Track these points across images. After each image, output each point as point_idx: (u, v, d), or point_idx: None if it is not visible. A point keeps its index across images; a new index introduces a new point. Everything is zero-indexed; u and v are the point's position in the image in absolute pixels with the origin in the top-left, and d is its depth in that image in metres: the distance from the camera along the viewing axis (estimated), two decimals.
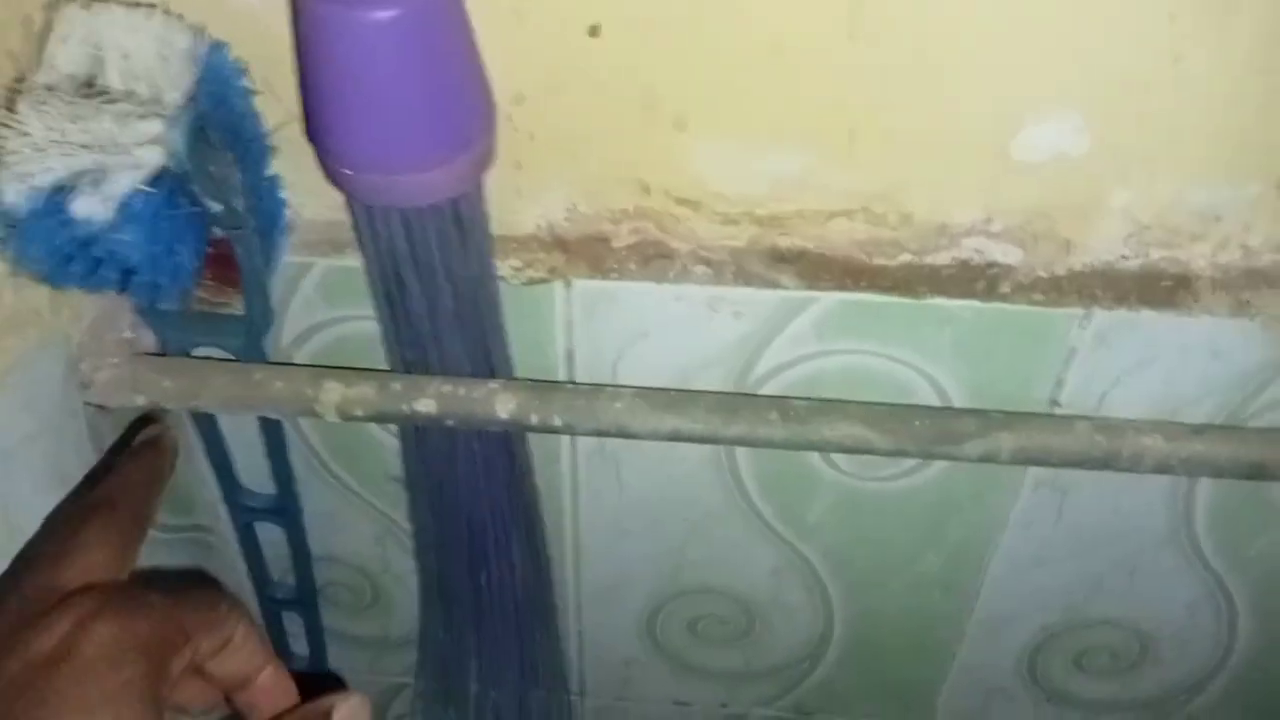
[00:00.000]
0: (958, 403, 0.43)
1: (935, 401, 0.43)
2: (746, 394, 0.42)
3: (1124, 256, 0.39)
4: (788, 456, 0.46)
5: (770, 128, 0.37)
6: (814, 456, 0.46)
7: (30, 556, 0.34)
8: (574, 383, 0.44)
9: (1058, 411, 0.43)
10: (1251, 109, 0.35)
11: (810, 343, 0.42)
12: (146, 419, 0.42)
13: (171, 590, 0.31)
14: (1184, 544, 0.48)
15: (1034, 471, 0.46)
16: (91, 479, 0.41)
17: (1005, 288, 0.40)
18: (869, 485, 0.47)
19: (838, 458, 0.46)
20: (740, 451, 0.47)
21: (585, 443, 0.47)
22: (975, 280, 0.40)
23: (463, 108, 0.32)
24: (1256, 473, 0.40)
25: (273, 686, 0.33)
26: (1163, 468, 0.40)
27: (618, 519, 0.51)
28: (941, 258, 0.40)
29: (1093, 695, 0.57)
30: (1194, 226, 0.38)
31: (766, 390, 0.44)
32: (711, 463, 0.47)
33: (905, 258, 0.40)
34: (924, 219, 0.39)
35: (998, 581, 0.51)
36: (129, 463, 0.38)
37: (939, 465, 0.46)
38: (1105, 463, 0.40)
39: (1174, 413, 0.42)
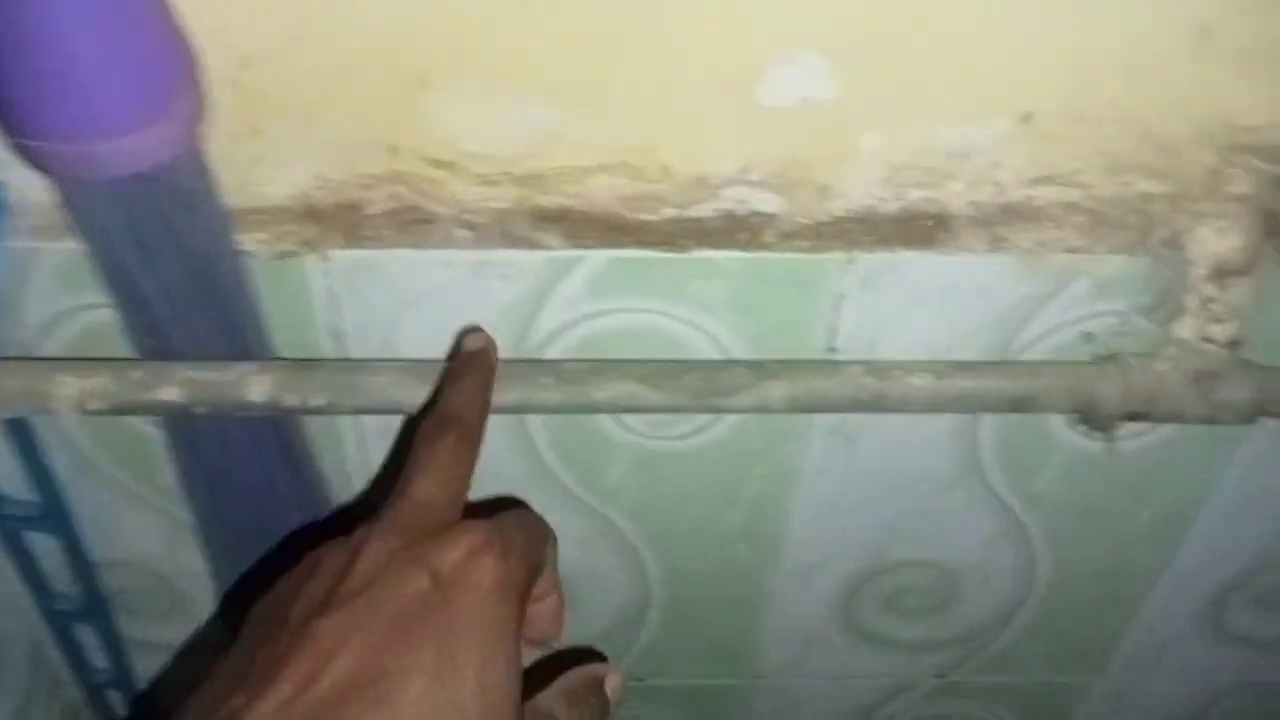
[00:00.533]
0: (738, 356, 0.43)
1: (716, 356, 0.43)
2: (519, 360, 0.41)
3: (882, 199, 0.39)
4: (580, 421, 0.45)
5: (516, 82, 0.36)
6: (606, 419, 0.46)
7: (405, 466, 0.33)
8: (335, 360, 0.42)
9: (834, 358, 0.43)
10: (993, 45, 0.35)
11: (584, 303, 0.41)
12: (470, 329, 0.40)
13: (513, 519, 0.31)
14: (974, 482, 0.49)
15: (822, 420, 0.46)
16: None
17: (769, 237, 0.39)
18: (662, 445, 0.47)
19: (630, 419, 0.46)
20: (532, 420, 0.46)
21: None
22: (739, 231, 0.39)
23: (151, 63, 0.30)
24: (1023, 405, 0.41)
25: (554, 613, 0.34)
26: (932, 406, 0.41)
27: None
28: (704, 210, 0.39)
29: (907, 636, 0.58)
30: (947, 166, 0.38)
31: (549, 355, 0.43)
32: (506, 432, 0.46)
33: (668, 212, 0.39)
34: (683, 171, 0.38)
35: (801, 531, 0.51)
36: (464, 378, 0.36)
37: (730, 420, 0.46)
38: (876, 404, 0.40)
39: (947, 352, 0.43)
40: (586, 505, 0.49)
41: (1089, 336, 0.43)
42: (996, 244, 0.40)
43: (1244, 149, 0.38)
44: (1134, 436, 0.47)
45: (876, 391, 0.40)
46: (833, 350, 0.43)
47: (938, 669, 0.61)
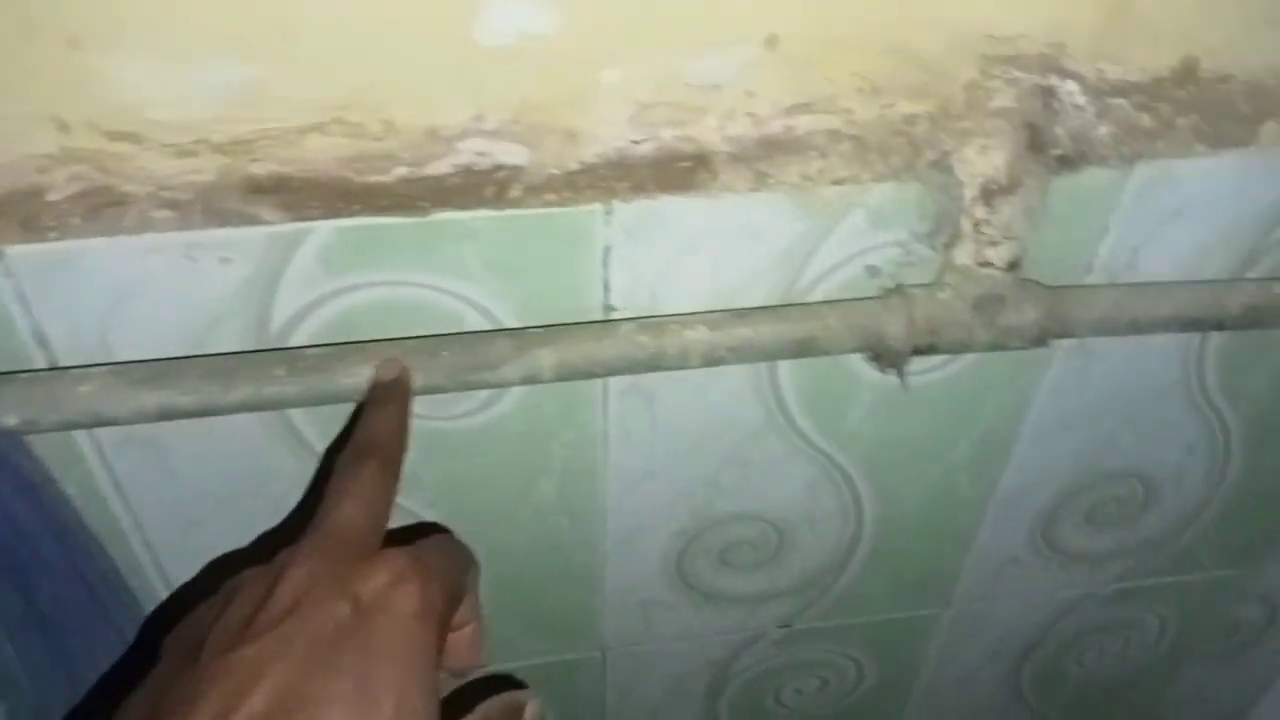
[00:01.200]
0: (509, 324, 0.40)
1: (484, 326, 0.39)
2: (248, 351, 0.37)
3: (635, 141, 0.36)
4: (339, 412, 0.42)
5: (194, 34, 0.31)
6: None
7: (324, 494, 0.32)
8: (32, 371, 0.37)
9: (614, 316, 0.40)
10: None
11: (322, 281, 0.37)
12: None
13: (435, 546, 0.31)
14: (783, 428, 0.47)
15: (614, 381, 0.43)
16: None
17: (516, 191, 0.36)
18: (450, 425, 0.43)
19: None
20: (296, 415, 0.41)
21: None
22: (483, 187, 0.36)
23: None
24: (806, 349, 0.39)
25: (474, 641, 0.33)
26: (712, 359, 0.38)
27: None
28: (441, 166, 0.35)
29: (746, 589, 0.57)
30: (697, 99, 0.35)
31: (295, 343, 0.39)
32: (265, 425, 0.42)
33: (401, 171, 0.35)
34: (409, 124, 0.34)
35: (618, 499, 0.49)
36: (383, 406, 0.36)
37: (519, 394, 0.43)
38: (654, 363, 0.38)
39: (733, 299, 0.41)
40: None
41: (873, 270, 0.41)
42: (761, 181, 0.37)
43: (1003, 60, 0.36)
44: (940, 366, 0.46)
45: (653, 350, 0.37)
46: (611, 309, 0.40)
47: (781, 619, 0.60)
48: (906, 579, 0.59)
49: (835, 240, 0.40)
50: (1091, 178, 0.39)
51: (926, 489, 0.53)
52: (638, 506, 0.50)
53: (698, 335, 0.37)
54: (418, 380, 0.36)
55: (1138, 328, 0.41)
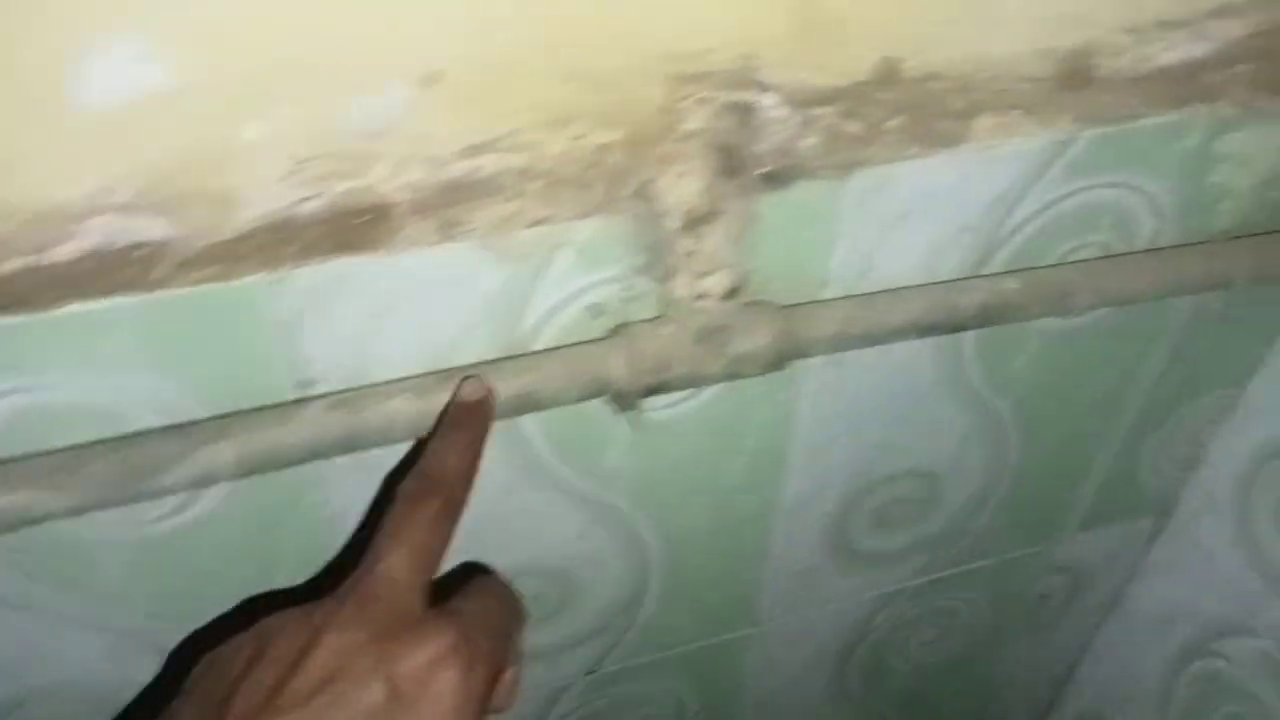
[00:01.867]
0: (195, 416, 0.35)
1: (159, 424, 0.35)
2: None
3: (302, 199, 0.32)
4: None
5: None
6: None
7: (378, 530, 0.30)
8: None
9: (314, 391, 0.36)
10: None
11: None
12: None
13: (483, 608, 0.30)
14: (540, 479, 0.44)
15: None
16: None
17: (162, 270, 0.31)
18: (154, 530, 0.38)
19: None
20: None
21: None
22: (120, 269, 0.31)
23: None
24: (527, 405, 0.36)
25: (511, 687, 0.30)
26: (420, 429, 0.35)
27: None
28: (67, 251, 0.30)
29: (539, 642, 0.54)
30: (362, 148, 0.32)
31: None
32: None
33: (18, 263, 0.30)
34: (22, 205, 0.29)
35: None
36: (456, 434, 0.33)
37: (224, 490, 0.38)
38: (352, 443, 0.34)
39: (447, 358, 0.37)
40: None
41: (596, 309, 0.38)
42: (450, 230, 0.34)
43: (692, 78, 0.34)
44: (694, 395, 0.43)
45: (349, 428, 0.34)
46: (311, 384, 0.36)
47: (587, 664, 0.57)
48: (708, 605, 0.57)
49: (548, 283, 0.37)
50: (806, 191, 0.37)
51: (707, 515, 0.51)
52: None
53: (401, 405, 0.34)
54: (67, 500, 0.31)
55: (874, 339, 0.40)
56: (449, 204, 0.33)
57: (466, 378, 0.35)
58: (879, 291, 0.41)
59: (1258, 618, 0.63)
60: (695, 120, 0.34)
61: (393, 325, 0.35)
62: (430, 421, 0.34)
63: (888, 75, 0.36)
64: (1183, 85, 0.41)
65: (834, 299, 0.40)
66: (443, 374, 0.35)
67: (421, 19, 0.29)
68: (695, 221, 0.34)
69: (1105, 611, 0.77)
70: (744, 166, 0.34)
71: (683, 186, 0.34)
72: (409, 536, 0.30)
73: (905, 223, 0.41)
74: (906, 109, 0.37)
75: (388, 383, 0.35)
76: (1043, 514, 0.63)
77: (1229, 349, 0.56)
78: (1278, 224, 0.48)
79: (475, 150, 0.33)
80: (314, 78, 0.30)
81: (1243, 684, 0.66)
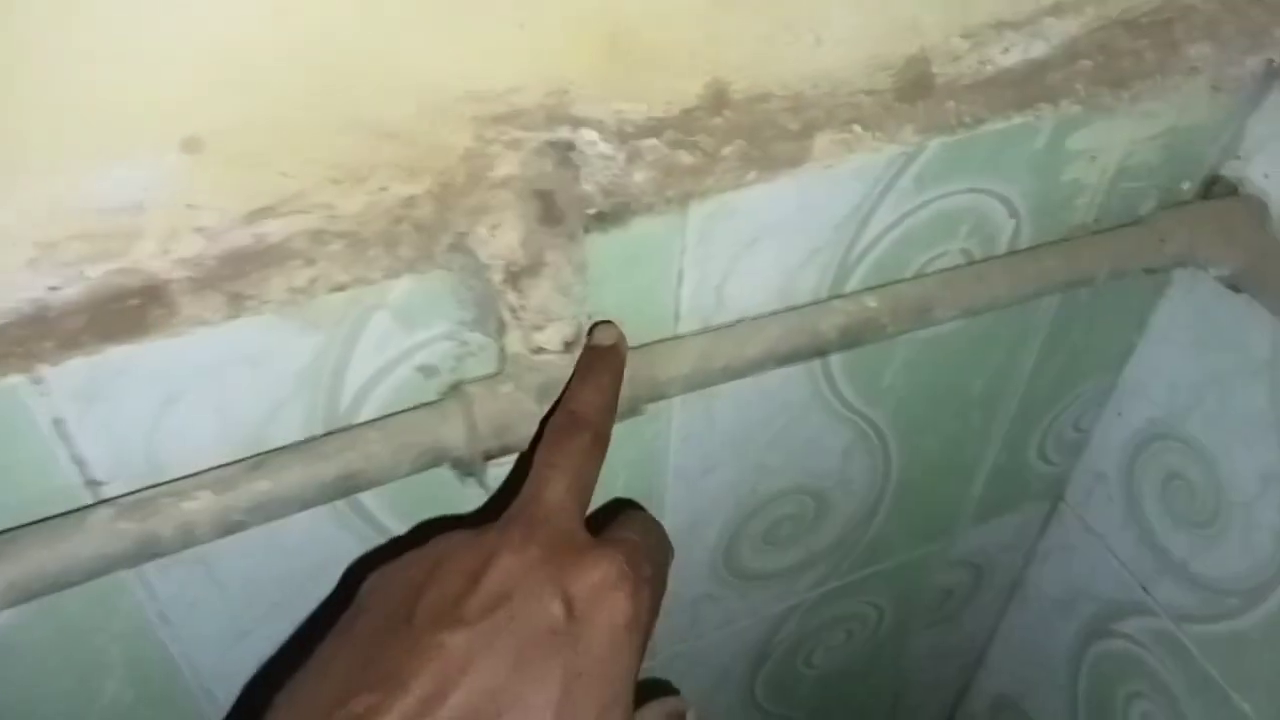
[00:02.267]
0: None
1: None
2: None
3: (52, 288, 0.28)
4: None
5: None
6: None
7: (534, 463, 0.31)
8: None
9: (101, 494, 0.32)
10: (98, 60, 0.24)
11: None
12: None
13: (642, 537, 0.31)
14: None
15: None
16: None
17: None
18: None
19: None
20: None
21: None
22: None
23: None
24: (351, 485, 0.32)
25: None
26: (227, 527, 0.31)
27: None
28: None
29: None
30: (119, 224, 0.28)
31: None
32: None
33: None
34: None
35: None
36: (597, 375, 0.34)
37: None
38: (148, 551, 0.30)
39: (257, 442, 0.33)
40: None
41: (429, 370, 0.35)
42: (239, 304, 0.30)
43: (497, 119, 0.30)
44: None
45: (143, 536, 0.30)
46: (97, 484, 0.32)
47: None
48: None
49: (365, 348, 0.33)
50: (644, 227, 0.35)
51: None
52: None
53: (200, 504, 0.30)
54: None
55: (733, 373, 0.38)
56: (234, 276, 0.30)
57: (597, 323, 0.35)
58: (734, 323, 0.39)
59: (1153, 596, 0.63)
60: (507, 165, 0.31)
61: (185, 413, 0.32)
62: (237, 516, 0.31)
63: (716, 100, 0.34)
64: (1026, 86, 0.39)
65: (686, 335, 0.38)
66: (246, 464, 0.31)
67: (171, 78, 0.26)
68: (519, 274, 0.31)
69: (1007, 598, 0.77)
70: (567, 211, 0.31)
71: (500, 238, 0.31)
72: (566, 466, 0.31)
73: (754, 249, 0.38)
74: (741, 133, 0.35)
75: (183, 478, 0.31)
76: (935, 513, 0.62)
77: (1101, 338, 0.55)
78: (1133, 214, 0.47)
79: (257, 216, 0.29)
80: (43, 153, 0.26)
81: (1143, 661, 0.66)
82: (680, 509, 0.49)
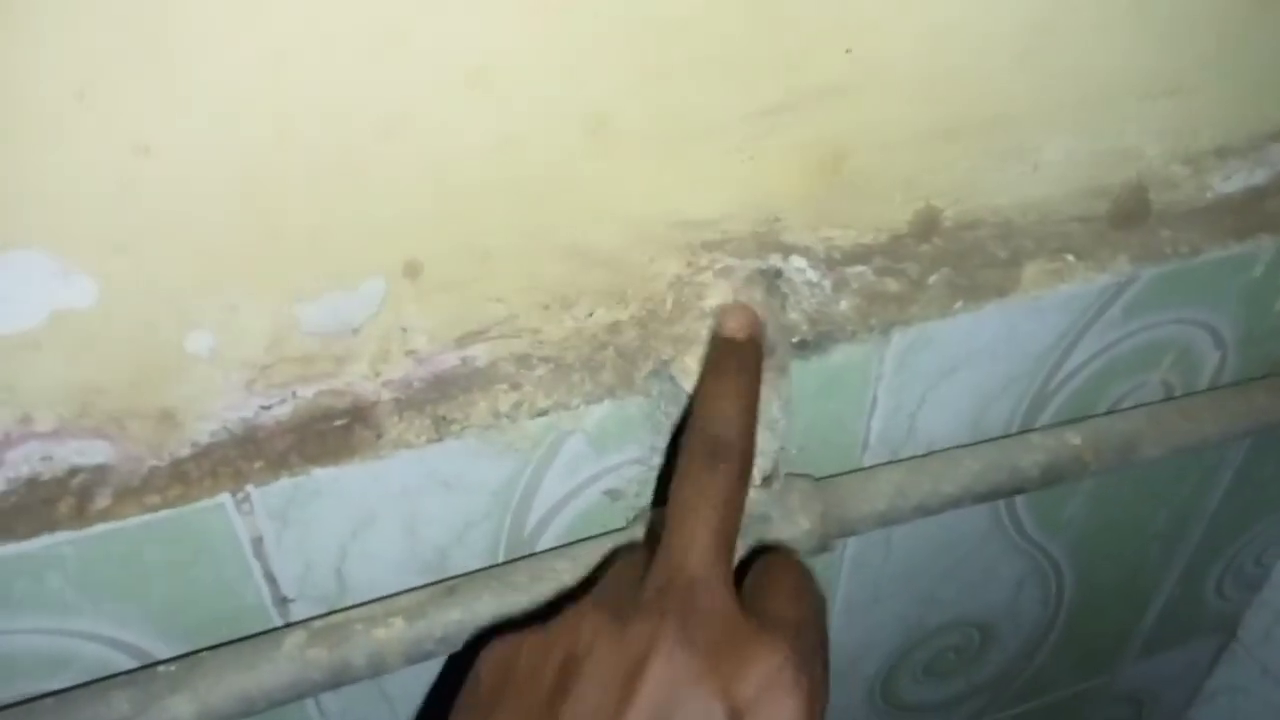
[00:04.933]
0: (162, 652, 0.30)
1: (126, 662, 0.30)
2: None
3: (264, 408, 0.28)
4: None
5: None
6: None
7: (672, 508, 0.26)
8: None
9: (289, 612, 0.31)
10: (326, 190, 0.25)
11: None
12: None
13: (808, 614, 0.26)
14: None
15: None
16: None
17: (105, 499, 0.27)
18: None
19: None
20: None
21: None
22: (57, 502, 0.27)
23: None
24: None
25: None
26: (418, 655, 0.30)
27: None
28: None
29: None
30: (331, 348, 0.27)
31: None
32: None
33: None
34: None
35: None
36: (731, 380, 0.28)
37: None
38: (338, 678, 0.29)
39: (441, 565, 0.32)
40: None
41: (615, 494, 0.34)
42: (442, 428, 0.29)
43: (709, 246, 0.30)
44: None
45: (333, 665, 0.29)
46: (286, 602, 0.31)
47: None
48: None
49: (556, 473, 0.32)
50: (844, 355, 0.33)
51: None
52: None
53: (393, 633, 0.29)
54: None
55: (927, 510, 0.35)
56: (440, 399, 0.29)
57: (728, 306, 0.30)
58: (929, 454, 0.37)
59: None
60: (717, 293, 0.30)
61: (377, 534, 0.31)
62: (429, 646, 0.30)
63: (925, 227, 0.32)
64: (1245, 214, 0.37)
65: (880, 467, 0.36)
66: (438, 589, 0.31)
67: (393, 205, 0.26)
68: None
69: None
70: (777, 342, 0.30)
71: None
72: (708, 511, 0.26)
73: (952, 378, 0.36)
74: (948, 261, 0.33)
75: (372, 602, 0.30)
76: (1101, 647, 0.58)
77: None
78: None
79: (466, 340, 0.29)
80: (268, 277, 0.26)
81: None
82: (843, 638, 0.46)
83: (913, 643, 0.49)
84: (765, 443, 0.30)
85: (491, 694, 0.25)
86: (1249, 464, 0.49)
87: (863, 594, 0.44)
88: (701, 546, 0.26)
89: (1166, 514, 0.50)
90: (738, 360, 0.29)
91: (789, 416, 0.31)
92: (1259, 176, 0.36)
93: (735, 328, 0.29)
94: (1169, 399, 0.40)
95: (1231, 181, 0.36)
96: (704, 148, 0.27)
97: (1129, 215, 0.35)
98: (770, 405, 0.30)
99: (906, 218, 0.32)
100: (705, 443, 0.27)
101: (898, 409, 0.36)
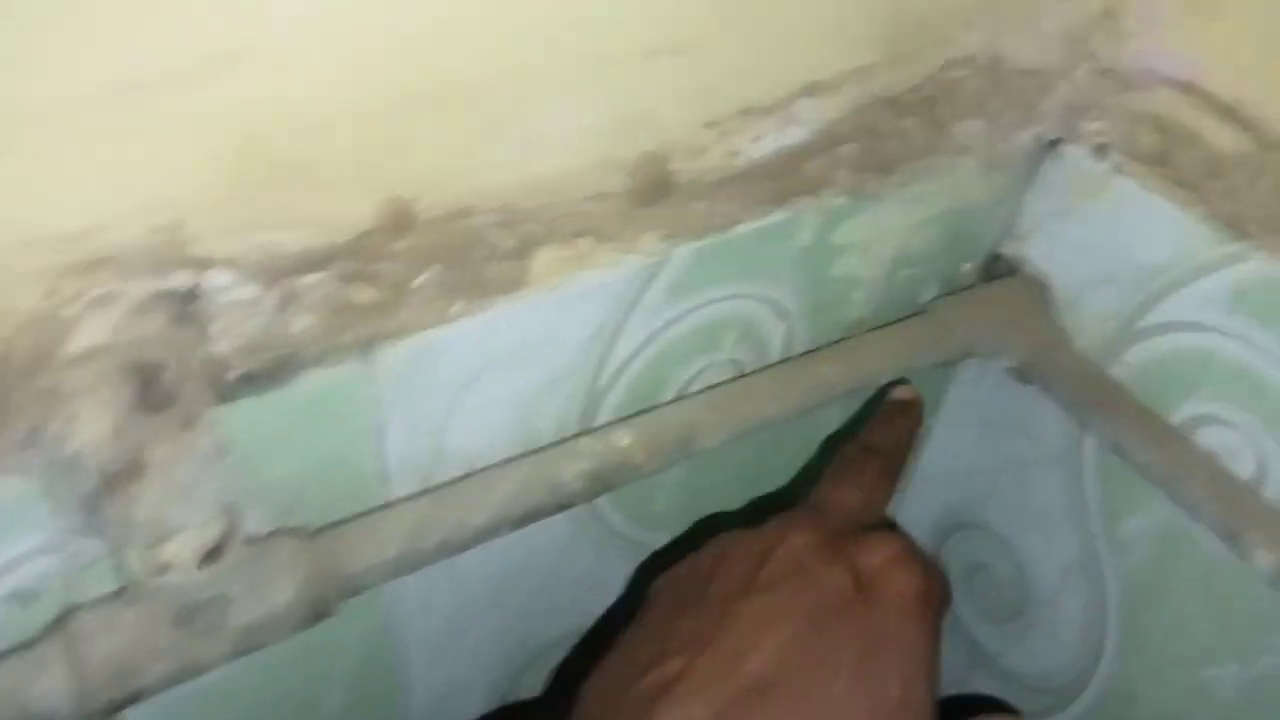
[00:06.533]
0: None
1: None
2: None
3: None
4: None
5: None
6: None
7: (820, 479, 0.35)
8: None
9: None
10: None
11: None
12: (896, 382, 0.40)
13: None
14: None
15: None
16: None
17: None
18: None
19: None
20: None
21: None
22: None
23: None
24: None
25: None
26: None
27: None
28: None
29: None
30: None
31: None
32: None
33: None
34: None
35: None
36: (895, 419, 0.38)
37: None
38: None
39: None
40: None
41: (26, 597, 0.26)
42: None
43: (79, 269, 0.22)
44: None
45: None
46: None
47: None
48: None
49: None
50: (317, 381, 0.27)
51: None
52: None
53: None
54: None
55: (456, 548, 0.30)
56: None
57: (899, 384, 0.40)
58: (459, 479, 0.32)
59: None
60: (91, 332, 0.22)
61: None
62: None
63: (397, 220, 0.27)
64: (783, 179, 0.34)
65: (393, 506, 0.30)
66: None
67: None
68: (115, 480, 0.23)
69: None
70: (179, 387, 0.23)
71: (82, 433, 0.22)
72: (853, 480, 0.34)
73: (476, 388, 0.31)
74: (438, 257, 0.28)
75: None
76: None
77: None
78: (914, 302, 0.43)
79: None
80: None
81: None
82: (430, 682, 0.41)
83: (519, 667, 0.44)
84: (185, 514, 0.23)
85: (650, 603, 0.31)
86: (851, 427, 0.48)
87: (440, 634, 0.39)
88: (840, 495, 0.33)
89: (768, 483, 0.48)
90: (899, 413, 0.39)
91: (224, 475, 0.24)
92: (792, 136, 0.34)
93: (904, 393, 0.40)
94: (737, 378, 0.38)
95: (762, 144, 0.33)
96: (45, 131, 0.20)
97: (653, 189, 0.31)
98: (178, 468, 0.23)
99: (368, 211, 0.26)
100: (857, 447, 0.36)
101: (415, 430, 0.31)
